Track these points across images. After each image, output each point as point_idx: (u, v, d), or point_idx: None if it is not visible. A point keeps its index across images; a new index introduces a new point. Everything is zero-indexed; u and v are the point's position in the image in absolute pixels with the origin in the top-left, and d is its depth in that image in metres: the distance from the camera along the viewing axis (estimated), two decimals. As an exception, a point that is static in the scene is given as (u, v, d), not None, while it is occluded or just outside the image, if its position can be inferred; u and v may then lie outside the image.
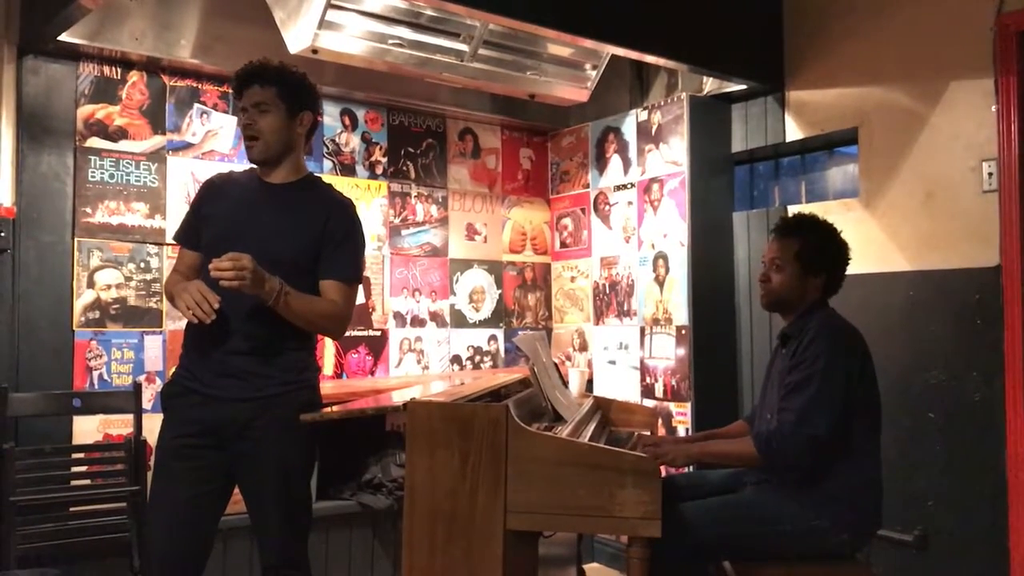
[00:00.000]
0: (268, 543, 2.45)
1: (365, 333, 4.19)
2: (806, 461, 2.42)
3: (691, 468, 3.25)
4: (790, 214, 3.89)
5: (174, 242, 2.65)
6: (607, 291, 4.52)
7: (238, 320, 2.37)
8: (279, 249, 2.39)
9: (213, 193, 2.58)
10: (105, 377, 3.48)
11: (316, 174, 2.69)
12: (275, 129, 2.47)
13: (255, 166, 2.56)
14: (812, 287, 2.63)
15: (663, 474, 2.27)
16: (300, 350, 2.49)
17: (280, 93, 2.47)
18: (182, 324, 3.41)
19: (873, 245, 3.54)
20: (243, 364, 2.38)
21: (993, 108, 3.15)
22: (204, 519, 2.43)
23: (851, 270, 3.52)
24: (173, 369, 2.52)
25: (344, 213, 2.54)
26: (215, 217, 2.51)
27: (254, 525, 2.47)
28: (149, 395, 3.52)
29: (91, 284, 3.47)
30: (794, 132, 3.91)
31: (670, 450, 2.59)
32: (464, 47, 3.71)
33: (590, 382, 4.50)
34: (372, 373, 4.19)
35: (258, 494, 2.44)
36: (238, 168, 3.08)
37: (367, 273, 4.21)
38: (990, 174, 3.16)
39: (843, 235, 2.69)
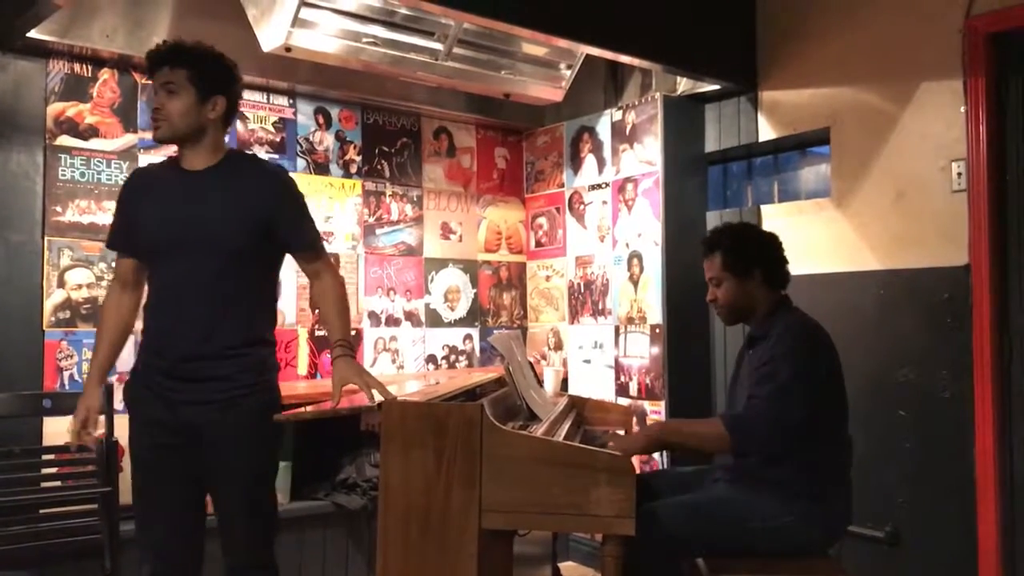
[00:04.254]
0: (234, 544, 2.42)
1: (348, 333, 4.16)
2: (776, 443, 2.43)
3: (664, 456, 3.27)
4: (762, 214, 3.93)
5: (110, 249, 2.55)
6: (582, 290, 4.53)
7: (198, 323, 2.33)
8: (220, 239, 2.33)
9: (135, 193, 2.47)
10: (76, 377, 3.44)
11: (235, 149, 2.58)
12: (182, 112, 2.35)
13: (173, 155, 2.47)
14: (755, 288, 2.66)
15: (637, 471, 2.27)
16: (259, 351, 2.44)
17: (191, 76, 2.36)
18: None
19: (844, 244, 3.57)
20: (202, 369, 2.33)
21: (962, 109, 3.19)
22: (196, 514, 2.43)
23: (822, 269, 3.58)
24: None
25: (279, 181, 2.48)
26: (143, 219, 2.40)
27: (220, 526, 2.43)
28: (120, 396, 3.48)
29: (61, 284, 3.44)
30: (767, 132, 3.94)
31: (628, 440, 2.65)
32: (439, 46, 3.70)
33: (565, 381, 4.52)
34: (347, 373, 4.16)
35: (223, 495, 2.41)
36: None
37: (341, 272, 4.19)
38: (959, 174, 3.20)
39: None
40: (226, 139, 2.50)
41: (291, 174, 2.59)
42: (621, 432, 3.17)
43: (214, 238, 2.33)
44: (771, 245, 2.73)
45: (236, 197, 2.38)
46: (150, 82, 2.46)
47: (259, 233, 2.39)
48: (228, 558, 2.44)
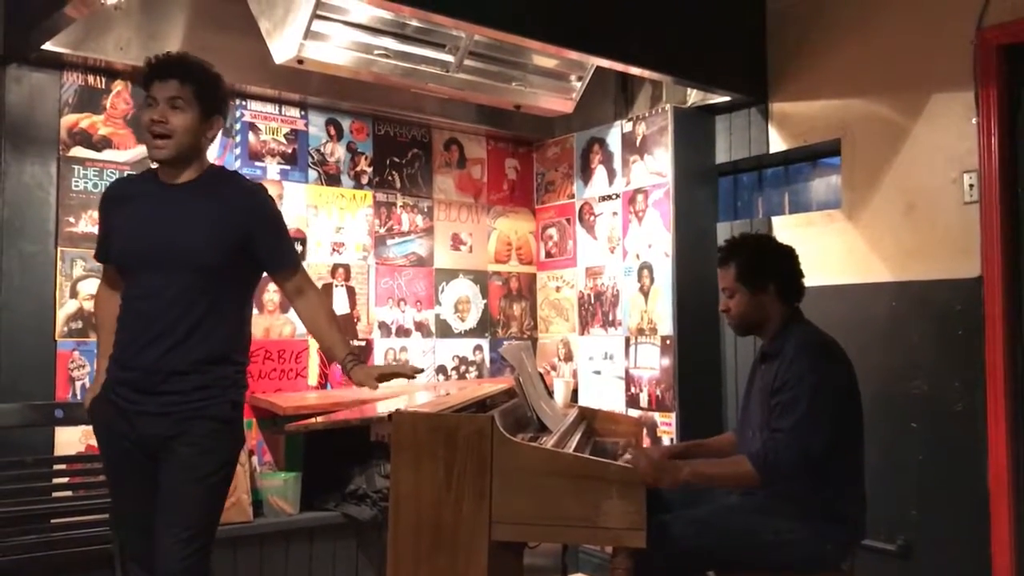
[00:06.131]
0: (162, 554, 2.30)
1: (350, 343, 4.17)
2: (802, 475, 2.41)
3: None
4: (773, 226, 3.93)
5: (97, 260, 2.56)
6: (592, 301, 4.53)
7: (162, 338, 2.31)
8: (191, 256, 2.31)
9: (113, 205, 2.46)
10: (88, 387, 3.45)
11: (216, 165, 2.56)
12: (188, 129, 2.33)
13: (153, 166, 2.44)
14: (768, 302, 2.63)
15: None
16: (224, 368, 2.39)
17: (198, 92, 2.35)
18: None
19: (855, 256, 3.56)
20: (162, 383, 2.31)
21: (974, 120, 3.19)
22: None
23: (833, 281, 3.57)
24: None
25: (258, 200, 2.45)
26: (117, 231, 2.40)
27: (155, 535, 2.33)
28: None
29: (74, 294, 3.45)
30: (777, 143, 3.94)
31: (661, 476, 2.42)
32: (450, 58, 3.72)
33: (575, 392, 4.51)
34: (357, 383, 4.17)
35: (161, 503, 2.33)
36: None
37: (352, 283, 4.21)
38: (971, 186, 3.19)
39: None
40: (237, 151, 2.49)
41: (303, 185, 2.58)
42: (631, 442, 3.16)
43: (184, 254, 2.31)
44: (788, 259, 2.70)
45: (213, 214, 2.35)
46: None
47: (234, 251, 2.36)
48: (156, 569, 2.31)
